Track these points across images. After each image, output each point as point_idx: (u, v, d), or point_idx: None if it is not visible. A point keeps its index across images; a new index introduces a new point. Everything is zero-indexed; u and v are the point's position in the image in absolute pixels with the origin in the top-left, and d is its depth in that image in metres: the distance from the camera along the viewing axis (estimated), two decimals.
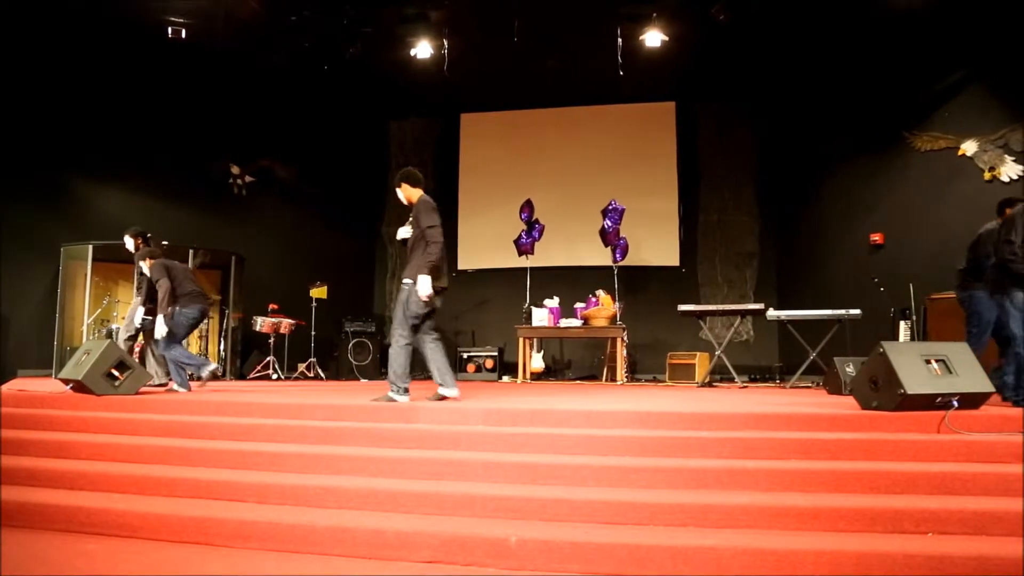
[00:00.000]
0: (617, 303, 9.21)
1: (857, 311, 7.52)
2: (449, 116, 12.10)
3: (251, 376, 9.45)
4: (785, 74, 10.32)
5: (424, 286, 4.67)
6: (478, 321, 11.59)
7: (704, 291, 11.14)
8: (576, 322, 9.04)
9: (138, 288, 6.76)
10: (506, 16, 8.87)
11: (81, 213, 8.97)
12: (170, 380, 6.28)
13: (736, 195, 11.24)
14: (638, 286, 10.98)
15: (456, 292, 10.97)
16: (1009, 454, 3.39)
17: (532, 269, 10.22)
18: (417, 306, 4.76)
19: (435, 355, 4.90)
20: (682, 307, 8.48)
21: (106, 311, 8.48)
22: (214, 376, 6.32)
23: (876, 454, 3.49)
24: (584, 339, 10.35)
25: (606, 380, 9.51)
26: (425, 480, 3.49)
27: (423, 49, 9.32)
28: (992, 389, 4.00)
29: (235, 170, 10.58)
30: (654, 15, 8.81)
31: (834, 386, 5.97)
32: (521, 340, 9.05)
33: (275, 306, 9.57)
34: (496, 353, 10.38)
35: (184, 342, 6.41)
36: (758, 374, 10.17)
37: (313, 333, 9.86)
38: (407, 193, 5.04)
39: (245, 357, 10.11)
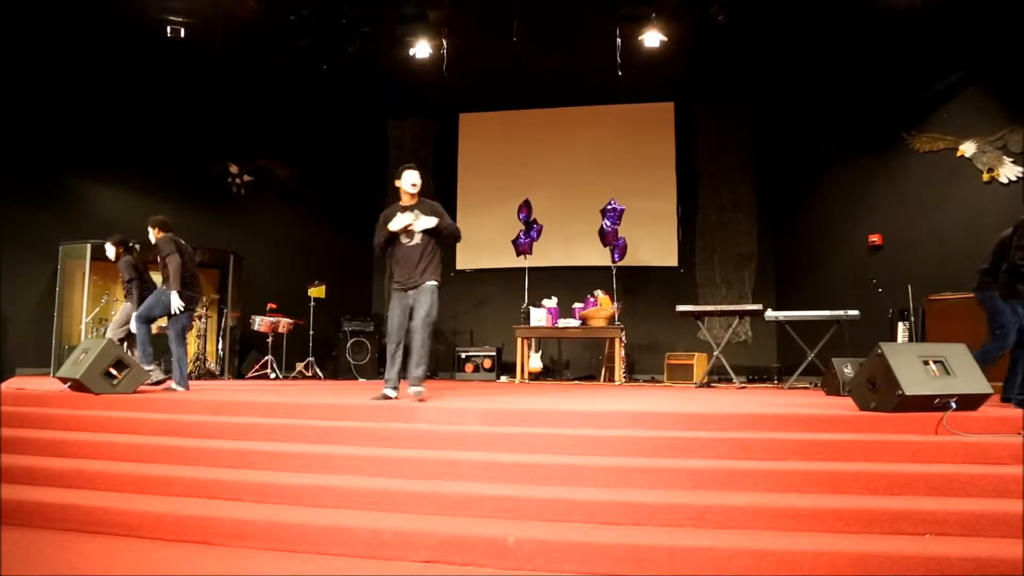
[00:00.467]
0: (615, 303, 9.22)
1: (855, 312, 7.52)
2: (448, 116, 12.10)
3: (249, 375, 9.44)
4: (784, 75, 10.33)
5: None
6: (476, 321, 11.60)
7: (702, 291, 11.14)
8: (574, 322, 9.05)
9: (127, 294, 6.76)
10: (505, 16, 8.87)
11: (80, 212, 8.96)
12: (168, 378, 6.28)
13: (735, 195, 11.25)
14: (636, 286, 10.99)
15: (454, 292, 11.02)
16: (1007, 455, 3.39)
17: (530, 269, 10.23)
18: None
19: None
20: (680, 307, 8.49)
21: (104, 310, 8.47)
22: (154, 383, 6.19)
23: (874, 455, 3.49)
24: (582, 339, 10.36)
25: (604, 380, 9.52)
26: (423, 480, 3.49)
27: (422, 49, 9.33)
28: (991, 391, 4.00)
29: (234, 169, 10.57)
30: (653, 15, 8.82)
31: (832, 387, 5.97)
32: (519, 340, 9.05)
33: (273, 305, 9.57)
34: (494, 353, 10.38)
35: (184, 341, 6.39)
36: (756, 375, 10.18)
37: (311, 332, 9.85)
38: (418, 187, 5.02)
39: (243, 356, 10.11)
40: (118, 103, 9.19)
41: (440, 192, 10.85)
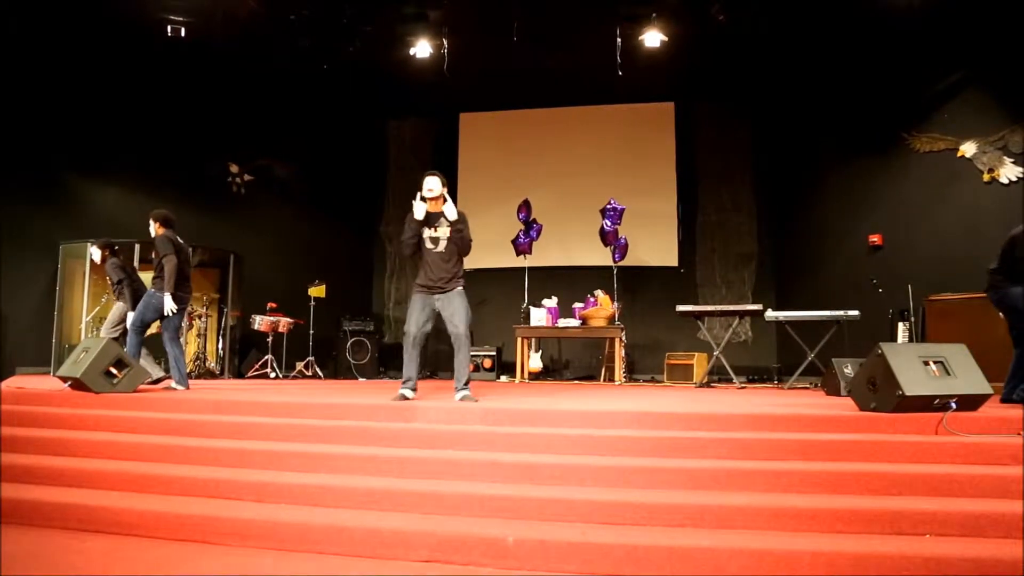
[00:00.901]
0: (615, 303, 9.22)
1: (855, 312, 7.52)
2: (448, 116, 12.10)
3: (249, 375, 9.45)
4: (784, 75, 10.33)
5: None
6: (476, 321, 11.40)
7: (702, 291, 11.15)
8: (574, 322, 9.04)
9: (119, 295, 6.76)
10: (505, 16, 8.87)
11: (80, 211, 8.96)
12: (167, 376, 6.28)
13: (735, 196, 11.25)
14: (636, 286, 10.98)
15: None
16: (1007, 456, 3.39)
17: (530, 269, 10.23)
18: None
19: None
20: (680, 307, 8.48)
21: (105, 309, 8.45)
22: (153, 381, 6.22)
23: (874, 455, 3.49)
24: (582, 339, 10.36)
25: (604, 380, 9.52)
26: (423, 479, 3.49)
27: (422, 48, 9.32)
28: (991, 391, 4.00)
29: (234, 168, 10.58)
30: (653, 15, 8.81)
31: (832, 387, 5.97)
32: (519, 340, 9.05)
33: (273, 305, 9.57)
34: (494, 353, 10.38)
35: (183, 342, 6.39)
36: (756, 375, 10.17)
37: (311, 332, 9.85)
38: (441, 189, 5.06)
39: (243, 356, 10.12)
40: (118, 103, 9.19)
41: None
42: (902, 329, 8.01)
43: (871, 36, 8.76)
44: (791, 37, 9.29)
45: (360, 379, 9.89)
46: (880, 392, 3.96)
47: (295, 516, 3.12)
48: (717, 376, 8.89)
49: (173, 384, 6.00)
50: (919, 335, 7.86)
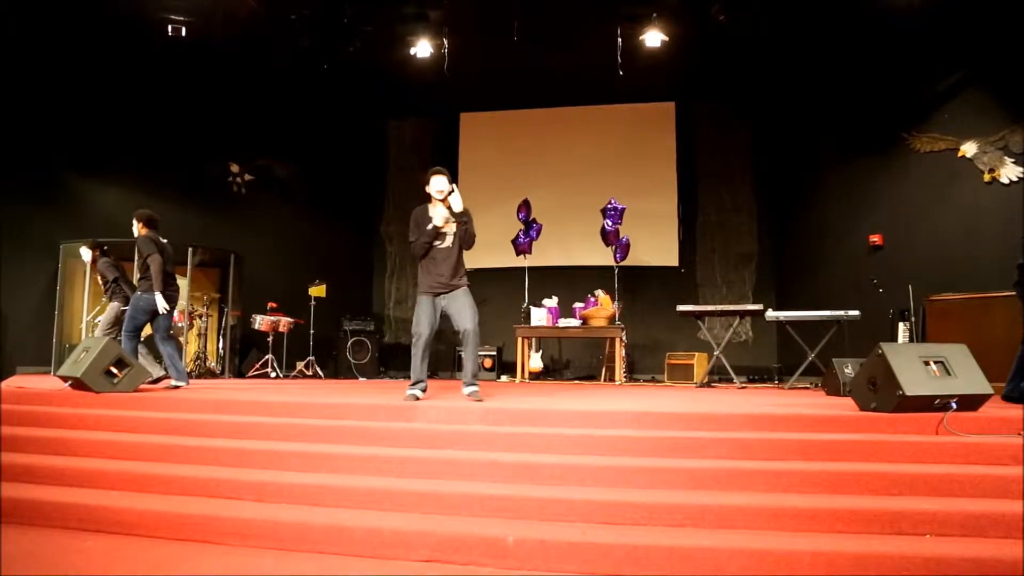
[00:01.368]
0: (616, 303, 9.21)
1: (856, 312, 7.51)
2: (448, 115, 12.10)
3: (250, 374, 9.45)
4: (785, 75, 10.32)
5: None
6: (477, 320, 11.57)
7: (703, 291, 11.14)
8: (575, 322, 9.04)
9: (113, 295, 6.76)
10: (506, 16, 8.87)
11: (80, 211, 8.97)
12: (166, 375, 6.29)
13: (735, 196, 11.25)
14: (637, 286, 10.98)
15: None
16: (1007, 456, 3.39)
17: (531, 269, 10.23)
18: None
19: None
20: (681, 307, 8.48)
21: (104, 309, 8.46)
22: (153, 380, 6.23)
23: (874, 455, 3.49)
24: (583, 339, 10.36)
25: (604, 380, 9.51)
26: (423, 479, 3.49)
27: (423, 48, 9.32)
28: (991, 391, 4.00)
29: (234, 168, 10.58)
30: (654, 15, 8.81)
31: (832, 387, 5.97)
32: (520, 340, 9.05)
33: (274, 304, 9.57)
34: (495, 353, 10.38)
35: (175, 340, 6.40)
36: (757, 375, 10.17)
37: (312, 332, 9.85)
38: (449, 186, 5.01)
39: (244, 355, 10.12)
40: (118, 102, 9.20)
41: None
42: (902, 329, 8.01)
43: (871, 36, 8.76)
44: (791, 37, 9.29)
45: (360, 379, 9.90)
46: (880, 392, 3.96)
47: (295, 516, 3.12)
48: (717, 376, 8.89)
49: (173, 382, 6.01)
50: (919, 335, 7.86)
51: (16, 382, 6.36)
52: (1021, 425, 3.65)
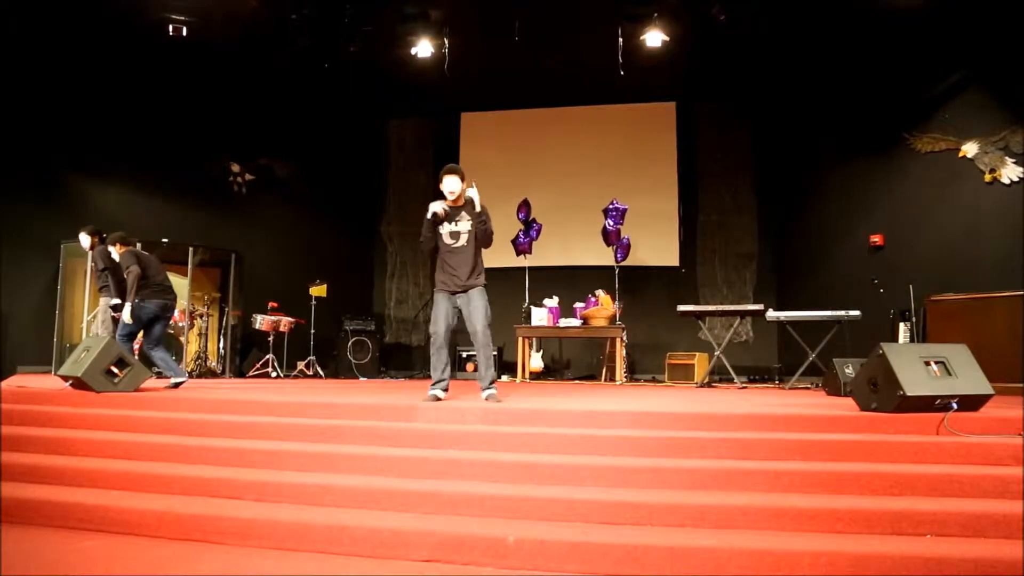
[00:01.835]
0: (616, 303, 9.21)
1: (856, 312, 7.51)
2: (449, 115, 12.09)
3: (250, 374, 9.45)
4: (785, 75, 10.31)
5: None
6: None
7: (703, 291, 11.13)
8: (575, 322, 9.04)
9: (103, 287, 6.76)
10: (506, 16, 8.87)
11: (81, 211, 8.95)
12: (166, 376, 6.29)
13: (736, 196, 11.23)
14: (637, 286, 10.97)
15: None
16: (1008, 456, 3.39)
17: (531, 269, 10.22)
18: None
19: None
20: (681, 307, 8.47)
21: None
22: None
23: (875, 455, 3.49)
24: (583, 339, 10.35)
25: (605, 380, 9.51)
26: (423, 479, 3.49)
27: (423, 48, 9.32)
28: (992, 391, 3.99)
29: (235, 168, 10.58)
30: (654, 15, 8.81)
31: (833, 387, 5.97)
32: (520, 340, 9.05)
33: (274, 304, 9.57)
34: (495, 353, 10.37)
35: (164, 343, 6.40)
36: (757, 375, 10.16)
37: (312, 331, 9.85)
38: (461, 186, 4.96)
39: (244, 355, 10.12)
40: (119, 102, 9.19)
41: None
42: (903, 329, 8.01)
43: (871, 36, 8.75)
44: (791, 37, 9.28)
45: (361, 378, 9.90)
46: (881, 392, 3.96)
47: (296, 516, 3.12)
48: (718, 376, 8.88)
49: (173, 381, 6.02)
50: (920, 335, 7.85)
51: (17, 382, 6.37)
52: (1021, 425, 3.65)
